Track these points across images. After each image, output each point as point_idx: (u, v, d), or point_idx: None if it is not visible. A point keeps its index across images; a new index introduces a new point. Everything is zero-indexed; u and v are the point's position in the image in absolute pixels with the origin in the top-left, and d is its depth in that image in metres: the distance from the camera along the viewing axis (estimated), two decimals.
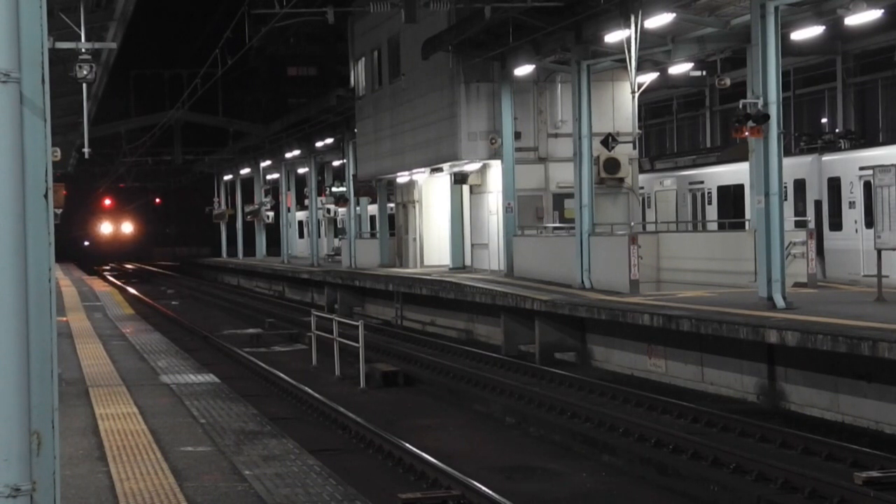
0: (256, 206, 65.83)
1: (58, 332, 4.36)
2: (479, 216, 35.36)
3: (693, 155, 35.87)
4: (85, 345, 22.08)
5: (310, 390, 21.66)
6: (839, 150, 26.63)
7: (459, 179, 35.50)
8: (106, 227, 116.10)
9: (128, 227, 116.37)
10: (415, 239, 40.67)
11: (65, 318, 28.09)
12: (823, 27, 24.63)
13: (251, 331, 36.10)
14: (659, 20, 23.53)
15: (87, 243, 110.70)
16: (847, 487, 12.68)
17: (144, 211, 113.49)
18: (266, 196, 65.93)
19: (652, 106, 42.82)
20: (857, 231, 24.44)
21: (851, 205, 24.73)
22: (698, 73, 35.13)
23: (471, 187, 35.54)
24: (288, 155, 57.21)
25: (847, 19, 23.10)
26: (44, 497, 4.04)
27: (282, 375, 24.13)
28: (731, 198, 29.85)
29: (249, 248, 69.58)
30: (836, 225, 25.26)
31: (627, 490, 14.46)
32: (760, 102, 19.88)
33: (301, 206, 66.31)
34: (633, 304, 22.08)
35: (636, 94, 25.15)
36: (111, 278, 67.56)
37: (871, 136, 31.23)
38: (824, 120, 34.31)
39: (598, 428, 17.56)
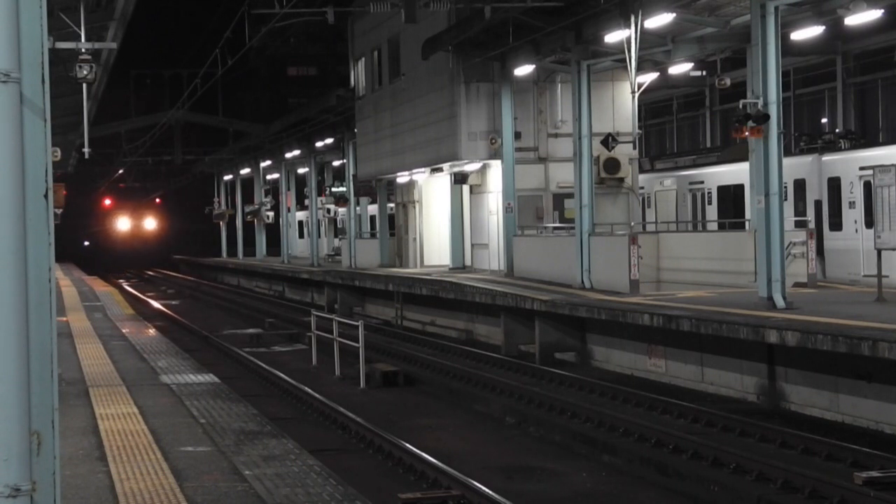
0: (256, 206, 65.81)
1: (58, 332, 4.36)
2: (479, 216, 35.36)
3: (693, 155, 35.88)
4: (85, 345, 22.07)
5: (310, 390, 21.66)
6: (839, 150, 26.63)
7: (459, 179, 35.50)
8: (123, 224, 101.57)
9: (151, 224, 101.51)
10: (415, 239, 40.67)
11: (65, 318, 28.08)
12: (823, 27, 24.64)
13: (251, 331, 36.12)
14: (659, 20, 23.53)
15: (86, 243, 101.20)
16: (847, 487, 12.68)
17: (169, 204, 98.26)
18: (266, 196, 65.91)
19: (652, 106, 42.82)
20: (857, 231, 24.44)
21: (851, 205, 24.73)
22: (698, 73, 35.17)
23: (471, 187, 35.54)
24: (288, 155, 57.22)
25: (847, 19, 23.10)
26: (44, 497, 4.04)
27: (282, 375, 24.13)
28: (731, 198, 29.85)
29: (249, 248, 69.49)
30: (836, 225, 25.26)
31: (627, 490, 14.46)
32: (760, 102, 19.87)
33: (301, 206, 66.27)
34: (633, 304, 22.08)
35: (636, 94, 25.14)
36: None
37: (871, 136, 31.23)
38: (824, 120, 34.31)
39: (598, 428, 17.55)
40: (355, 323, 25.01)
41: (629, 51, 23.92)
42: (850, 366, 16.82)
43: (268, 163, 64.01)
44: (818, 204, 25.95)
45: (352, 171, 46.34)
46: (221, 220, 75.35)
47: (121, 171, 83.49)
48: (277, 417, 18.16)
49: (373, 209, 49.26)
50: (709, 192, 31.13)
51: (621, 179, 31.09)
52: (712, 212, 30.74)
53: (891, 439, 15.72)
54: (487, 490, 13.02)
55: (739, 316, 18.50)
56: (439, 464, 14.51)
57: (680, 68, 29.90)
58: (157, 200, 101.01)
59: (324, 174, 59.83)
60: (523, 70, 31.11)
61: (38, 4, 4.05)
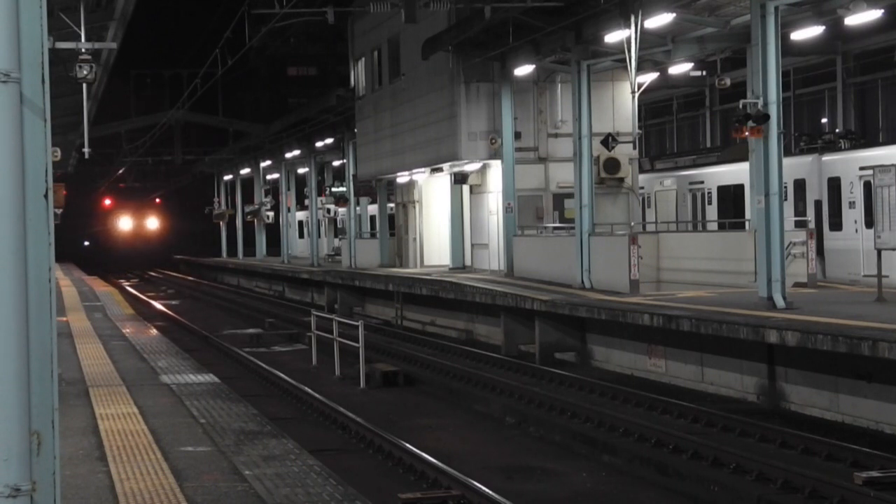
0: (256, 206, 65.82)
1: (58, 332, 4.36)
2: (479, 216, 35.36)
3: (693, 155, 35.88)
4: (85, 345, 22.07)
5: (310, 390, 21.66)
6: (839, 150, 26.63)
7: (459, 179, 35.50)
8: (123, 224, 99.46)
9: (150, 224, 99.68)
10: (415, 239, 40.67)
11: (65, 318, 28.08)
12: (823, 27, 24.64)
13: (251, 331, 36.12)
14: (659, 20, 23.53)
15: (86, 243, 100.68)
16: (847, 487, 12.68)
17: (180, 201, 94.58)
18: (266, 196, 65.91)
19: (652, 106, 42.82)
20: (857, 231, 24.44)
21: (851, 205, 24.73)
22: (698, 73, 35.17)
23: (471, 187, 35.54)
24: (288, 155, 57.22)
25: (847, 19, 23.10)
26: (44, 497, 4.04)
27: (282, 375, 24.12)
28: (731, 198, 29.85)
29: (249, 248, 69.47)
30: (836, 225, 25.26)
31: (627, 490, 14.45)
32: (760, 102, 19.87)
33: (301, 206, 66.25)
34: (633, 304, 22.08)
35: (636, 94, 25.14)
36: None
37: (871, 136, 31.23)
38: (824, 120, 34.31)
39: (598, 428, 17.55)
40: (355, 323, 25.00)
41: (629, 51, 23.92)
42: (850, 366, 16.81)
43: (268, 163, 64.01)
44: (818, 204, 25.95)
45: (352, 171, 46.34)
46: (221, 220, 75.34)
47: (121, 171, 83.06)
48: (277, 417, 18.16)
49: (373, 209, 49.26)
50: (709, 192, 31.13)
51: (621, 179, 31.08)
52: (712, 212, 30.75)
53: (891, 439, 15.72)
54: (487, 490, 13.02)
55: (739, 316, 18.50)
56: (439, 464, 14.51)
57: (680, 68, 29.90)
58: (157, 200, 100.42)
59: (324, 174, 59.82)
60: (523, 70, 31.11)
61: (38, 4, 4.05)
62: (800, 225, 25.22)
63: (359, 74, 44.60)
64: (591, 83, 27.40)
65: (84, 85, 20.84)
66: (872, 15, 22.23)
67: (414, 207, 40.57)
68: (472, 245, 36.07)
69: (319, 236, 57.10)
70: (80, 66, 19.74)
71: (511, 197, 32.41)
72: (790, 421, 17.34)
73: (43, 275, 4.06)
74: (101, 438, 12.14)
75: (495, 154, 33.09)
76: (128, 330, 25.85)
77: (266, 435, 12.43)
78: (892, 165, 19.92)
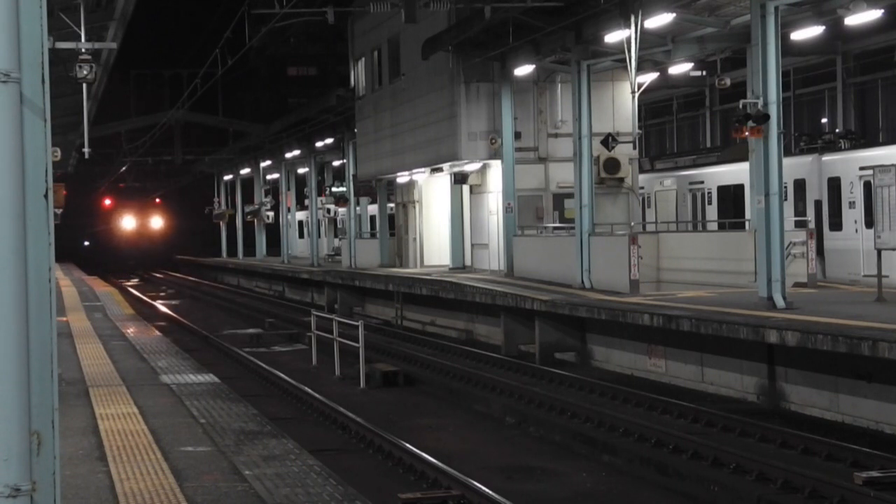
0: (256, 206, 65.80)
1: (58, 332, 4.36)
2: (479, 216, 35.36)
3: (693, 155, 35.89)
4: (85, 345, 22.07)
5: (310, 390, 21.66)
6: (839, 150, 26.63)
7: (459, 179, 35.50)
8: (123, 224, 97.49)
9: (150, 224, 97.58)
10: (415, 239, 40.67)
11: (65, 318, 28.07)
12: (823, 27, 24.64)
13: (251, 331, 36.12)
14: (659, 20, 23.53)
15: (86, 243, 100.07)
16: (847, 487, 12.69)
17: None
18: (266, 196, 65.89)
19: (652, 106, 42.81)
20: (857, 231, 24.45)
21: (851, 205, 24.73)
22: (698, 73, 35.17)
23: (471, 187, 35.54)
24: (288, 155, 57.22)
25: (847, 19, 23.10)
26: (44, 497, 4.04)
27: (282, 375, 24.13)
28: (731, 198, 29.85)
29: (249, 248, 69.43)
30: (836, 225, 25.26)
31: (627, 490, 14.46)
32: (760, 102, 19.87)
33: (301, 206, 66.23)
34: (633, 304, 22.08)
35: (636, 94, 25.14)
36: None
37: (871, 136, 31.23)
38: (824, 120, 34.31)
39: (598, 428, 17.56)
40: (355, 323, 25.01)
41: (629, 51, 23.92)
42: (850, 366, 16.82)
43: (268, 163, 64.00)
44: (818, 204, 25.95)
45: (352, 171, 46.34)
46: (221, 221, 75.32)
47: (123, 169, 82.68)
48: (277, 417, 18.16)
49: (373, 209, 49.26)
50: (709, 192, 31.13)
51: (621, 179, 31.09)
52: (712, 212, 30.75)
53: (891, 439, 15.73)
54: (487, 490, 13.02)
55: (739, 316, 18.50)
56: (439, 464, 14.51)
57: (680, 68, 29.90)
58: (157, 200, 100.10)
59: (324, 174, 59.82)
60: (523, 70, 31.11)
61: (38, 4, 4.05)
62: (800, 225, 25.22)
63: (359, 74, 44.60)
64: (591, 83, 27.40)
65: (84, 85, 20.83)
66: (872, 15, 22.23)
67: (414, 207, 40.56)
68: (472, 245, 36.07)
69: (319, 236, 57.09)
70: (80, 66, 19.74)
71: (511, 197, 32.41)
72: (790, 421, 17.34)
73: (43, 275, 4.06)
74: (101, 438, 12.14)
75: (495, 154, 33.09)
76: (128, 330, 25.84)
77: (266, 435, 12.43)
78: (892, 165, 19.92)
